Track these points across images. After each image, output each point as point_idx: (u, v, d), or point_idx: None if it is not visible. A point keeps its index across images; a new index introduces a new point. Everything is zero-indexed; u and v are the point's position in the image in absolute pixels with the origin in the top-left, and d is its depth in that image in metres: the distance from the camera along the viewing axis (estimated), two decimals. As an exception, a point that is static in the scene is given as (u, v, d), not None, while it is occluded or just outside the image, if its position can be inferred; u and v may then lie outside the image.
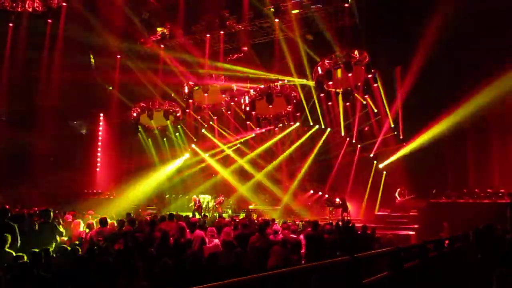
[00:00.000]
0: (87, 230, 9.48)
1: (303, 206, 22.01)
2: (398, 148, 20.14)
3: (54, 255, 6.61)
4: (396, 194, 18.97)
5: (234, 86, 23.15)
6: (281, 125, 24.41)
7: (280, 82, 22.11)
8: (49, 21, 22.37)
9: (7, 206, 10.11)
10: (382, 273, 4.41)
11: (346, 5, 19.45)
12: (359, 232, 11.32)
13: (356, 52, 19.48)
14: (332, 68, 20.01)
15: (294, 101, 22.39)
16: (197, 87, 22.92)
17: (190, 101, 23.59)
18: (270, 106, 21.73)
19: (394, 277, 4.46)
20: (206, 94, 22.60)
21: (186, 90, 23.36)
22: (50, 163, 22.34)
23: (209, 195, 22.60)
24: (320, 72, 20.57)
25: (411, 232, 15.62)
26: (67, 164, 22.96)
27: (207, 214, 19.91)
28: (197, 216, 17.79)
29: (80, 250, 7.10)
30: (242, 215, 19.08)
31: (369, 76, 19.75)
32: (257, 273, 2.65)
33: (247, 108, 22.99)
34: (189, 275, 6.10)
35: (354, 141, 21.82)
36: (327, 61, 20.18)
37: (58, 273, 5.68)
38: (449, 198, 17.15)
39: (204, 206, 21.48)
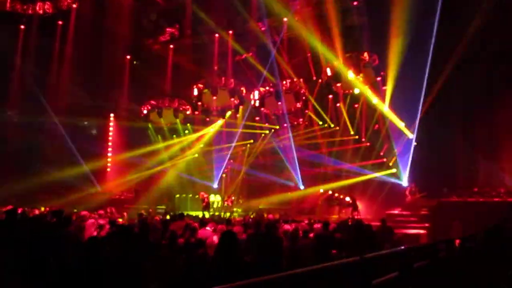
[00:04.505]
0: (98, 231, 9.52)
1: (312, 205, 21.97)
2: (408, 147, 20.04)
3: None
4: (407, 193, 18.83)
5: (243, 89, 23.13)
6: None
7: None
8: (60, 22, 22.58)
9: (19, 209, 10.28)
10: (391, 274, 4.40)
11: (355, 3, 19.43)
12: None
13: (365, 54, 19.42)
14: (341, 70, 19.99)
15: (303, 98, 22.31)
16: (206, 90, 22.92)
17: (199, 103, 23.64)
18: (279, 103, 21.72)
19: (403, 278, 4.44)
20: (214, 97, 22.62)
21: (195, 92, 23.38)
22: (61, 164, 22.52)
23: (219, 194, 22.64)
24: (329, 73, 20.53)
25: (421, 231, 15.50)
26: (79, 164, 23.08)
27: (217, 213, 19.97)
28: (206, 216, 17.91)
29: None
30: (252, 214, 19.09)
31: (378, 79, 19.71)
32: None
33: (257, 104, 22.90)
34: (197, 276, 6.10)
35: (363, 139, 21.72)
36: (336, 62, 20.14)
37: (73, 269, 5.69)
38: (460, 197, 17.00)
39: (214, 206, 21.56)
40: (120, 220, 12.63)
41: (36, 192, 19.48)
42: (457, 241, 7.70)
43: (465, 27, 16.90)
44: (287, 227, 10.37)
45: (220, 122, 25.06)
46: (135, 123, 25.44)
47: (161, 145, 25.49)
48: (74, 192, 20.86)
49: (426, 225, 15.97)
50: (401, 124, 19.88)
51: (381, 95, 20.25)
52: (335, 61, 20.17)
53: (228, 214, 19.67)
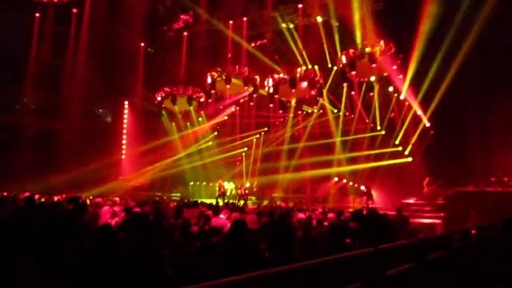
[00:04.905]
0: (113, 217, 9.57)
1: (327, 194, 21.92)
2: (424, 136, 19.80)
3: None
4: (424, 184, 18.57)
5: (257, 77, 22.94)
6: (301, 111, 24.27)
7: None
8: (74, 10, 22.59)
9: (36, 196, 10.41)
10: (406, 265, 4.34)
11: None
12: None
13: (381, 42, 19.09)
14: (356, 58, 19.69)
15: (318, 85, 22.06)
16: (219, 78, 22.77)
17: (213, 91, 23.54)
18: (293, 90, 21.53)
19: (418, 269, 4.39)
20: (228, 86, 22.50)
21: (209, 80, 23.31)
22: (77, 151, 22.72)
23: (233, 182, 22.67)
24: (344, 61, 20.28)
25: (437, 221, 15.30)
26: (94, 152, 23.24)
27: (231, 201, 20.03)
28: (221, 203, 17.98)
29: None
30: (265, 202, 19.12)
31: (394, 67, 19.41)
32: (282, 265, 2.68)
33: (271, 91, 22.74)
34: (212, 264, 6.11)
35: (379, 128, 21.48)
36: (352, 50, 19.84)
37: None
38: (477, 186, 16.73)
39: (228, 193, 21.59)
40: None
41: (53, 179, 19.71)
42: (473, 232, 7.59)
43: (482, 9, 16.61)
44: (301, 215, 10.34)
45: (233, 110, 25.04)
46: (149, 111, 25.53)
47: (175, 133, 25.57)
48: (90, 180, 21.05)
49: (442, 214, 15.76)
50: (418, 112, 19.63)
51: (397, 83, 19.98)
52: (350, 49, 19.92)
53: (241, 202, 19.74)
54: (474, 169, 18.34)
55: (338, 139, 22.37)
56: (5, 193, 12.77)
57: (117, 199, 12.15)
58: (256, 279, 2.47)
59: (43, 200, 12.43)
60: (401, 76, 19.50)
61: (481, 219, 12.37)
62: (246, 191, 21.78)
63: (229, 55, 23.39)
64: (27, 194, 10.96)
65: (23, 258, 5.53)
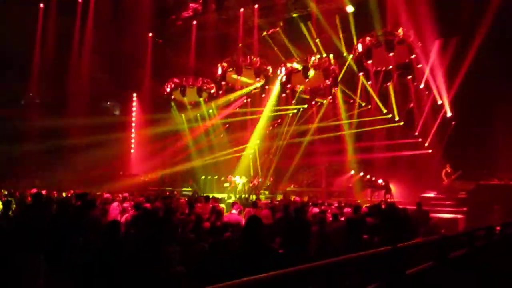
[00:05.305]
0: (122, 214, 9.41)
1: (343, 187, 21.50)
2: (445, 126, 19.23)
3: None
4: (443, 176, 17.92)
5: (270, 68, 22.51)
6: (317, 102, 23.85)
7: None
8: (79, 1, 22.36)
9: (43, 191, 10.33)
10: (426, 263, 4.20)
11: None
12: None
13: (400, 30, 18.49)
14: (373, 46, 19.13)
15: (333, 74, 21.52)
16: (230, 69, 22.37)
17: (223, 82, 23.15)
18: (306, 80, 21.06)
19: (439, 268, 4.26)
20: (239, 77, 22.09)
21: (220, 71, 22.93)
22: (84, 146, 22.58)
23: (244, 176, 22.28)
24: (360, 49, 19.75)
25: (459, 216, 14.77)
26: (102, 146, 23.09)
27: (243, 196, 19.77)
28: (233, 198, 17.75)
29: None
30: (279, 197, 18.81)
31: (413, 56, 18.83)
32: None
33: (283, 79, 22.21)
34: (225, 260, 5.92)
35: (397, 118, 20.90)
36: (368, 38, 19.30)
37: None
38: (501, 180, 16.10)
39: (239, 188, 21.24)
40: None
41: (60, 175, 19.68)
42: (498, 228, 7.22)
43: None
44: (315, 210, 10.08)
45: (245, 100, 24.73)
46: (158, 103, 25.25)
47: (185, 125, 25.30)
48: (99, 176, 20.91)
49: (464, 209, 15.22)
50: (438, 102, 19.04)
51: (416, 72, 19.43)
52: (367, 36, 19.41)
53: (254, 197, 19.47)
54: (498, 162, 17.70)
55: (354, 130, 21.93)
56: (12, 190, 12.80)
57: (127, 194, 11.98)
58: (270, 279, 2.42)
59: (51, 196, 12.35)
60: (420, 65, 18.91)
61: (505, 214, 11.93)
62: (259, 185, 21.50)
63: (240, 45, 22.95)
64: (34, 190, 10.93)
65: (28, 255, 5.41)
